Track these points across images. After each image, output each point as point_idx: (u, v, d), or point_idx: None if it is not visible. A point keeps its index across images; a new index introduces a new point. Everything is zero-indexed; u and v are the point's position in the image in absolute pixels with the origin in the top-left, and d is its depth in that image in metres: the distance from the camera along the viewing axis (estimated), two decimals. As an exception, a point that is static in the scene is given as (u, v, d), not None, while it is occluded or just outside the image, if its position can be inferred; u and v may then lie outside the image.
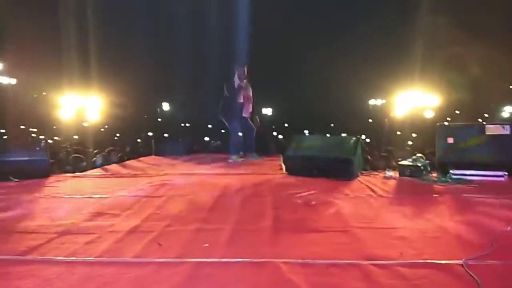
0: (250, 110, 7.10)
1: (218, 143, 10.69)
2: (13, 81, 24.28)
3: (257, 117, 7.32)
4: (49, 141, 5.28)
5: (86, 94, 10.11)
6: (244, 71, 6.90)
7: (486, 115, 14.82)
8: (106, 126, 14.43)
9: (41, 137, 5.31)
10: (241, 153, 7.07)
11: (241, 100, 6.96)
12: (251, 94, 7.07)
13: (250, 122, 7.11)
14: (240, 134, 7.03)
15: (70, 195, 3.94)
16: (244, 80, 6.92)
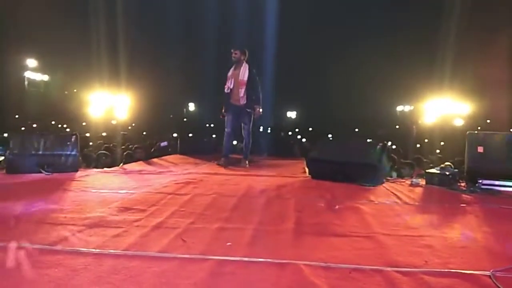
0: (241, 95, 6.15)
1: (242, 145, 10.75)
2: (46, 78, 25.10)
3: (257, 107, 6.21)
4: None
5: (116, 93, 10.33)
6: (235, 53, 6.16)
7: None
8: (133, 124, 14.73)
9: (72, 132, 5.46)
10: (227, 156, 6.34)
11: (228, 88, 6.24)
12: (245, 79, 6.14)
13: (246, 116, 6.22)
14: (229, 130, 6.32)
15: (98, 190, 4.04)
16: (234, 65, 6.20)
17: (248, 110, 6.20)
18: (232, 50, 6.22)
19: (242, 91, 6.15)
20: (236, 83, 6.17)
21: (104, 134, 9.94)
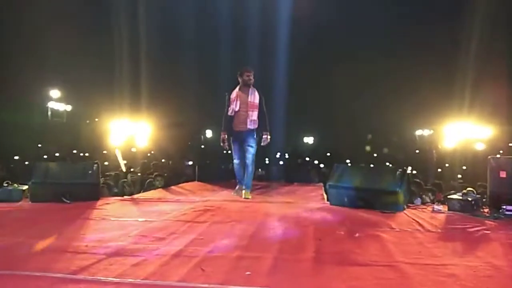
0: (253, 118, 5.66)
1: (263, 172, 10.78)
2: (68, 107, 25.85)
3: (266, 134, 5.75)
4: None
5: (136, 121, 10.54)
6: (250, 75, 5.73)
7: (542, 148, 14.02)
8: (152, 152, 14.93)
9: (93, 161, 5.56)
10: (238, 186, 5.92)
11: (232, 111, 5.70)
12: (257, 102, 5.71)
13: (252, 139, 5.70)
14: (237, 161, 5.84)
15: (117, 218, 4.09)
16: (240, 87, 5.75)
17: (254, 135, 5.72)
18: (247, 70, 5.76)
19: (254, 114, 5.69)
20: (245, 106, 5.68)
21: (124, 162, 10.10)
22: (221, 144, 5.90)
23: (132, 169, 8.48)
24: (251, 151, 5.70)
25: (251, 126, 5.70)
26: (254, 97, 5.72)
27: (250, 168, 5.72)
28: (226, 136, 5.81)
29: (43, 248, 2.90)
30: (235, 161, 5.91)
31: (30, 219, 4.13)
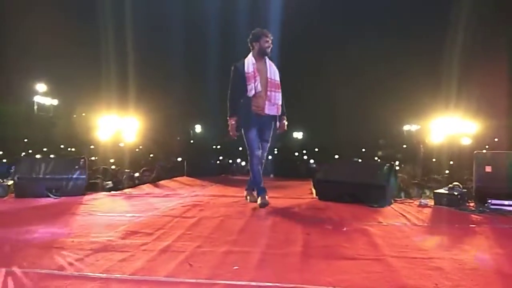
0: (277, 101, 4.47)
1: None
2: (55, 102, 25.49)
3: (283, 120, 4.66)
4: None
5: (124, 116, 10.44)
6: (261, 39, 4.42)
7: (526, 143, 14.25)
8: (140, 147, 14.82)
9: (80, 156, 5.51)
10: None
11: (253, 90, 4.38)
12: (277, 79, 4.50)
13: (270, 131, 4.58)
14: (257, 152, 4.46)
15: (105, 213, 4.06)
16: (255, 58, 4.45)
17: (273, 126, 4.60)
18: (265, 34, 4.45)
19: (276, 96, 4.46)
20: (265, 84, 4.43)
21: (112, 160, 10.01)
22: (230, 133, 4.56)
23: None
24: (267, 147, 4.61)
25: (271, 111, 4.50)
26: (274, 73, 4.50)
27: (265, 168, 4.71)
28: (235, 122, 4.48)
29: (29, 244, 2.86)
30: (255, 152, 4.46)
31: (15, 215, 4.08)
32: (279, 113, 4.58)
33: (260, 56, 4.47)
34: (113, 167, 7.76)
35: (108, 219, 3.77)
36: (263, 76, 4.43)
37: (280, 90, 4.52)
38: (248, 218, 3.89)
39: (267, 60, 4.53)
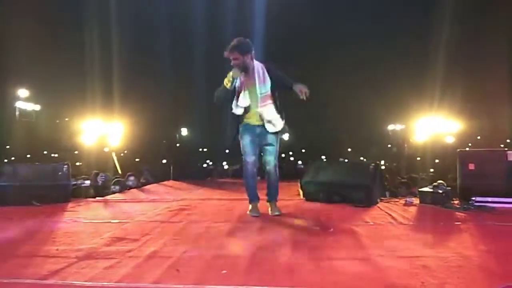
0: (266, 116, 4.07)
1: (237, 167, 10.77)
2: (37, 107, 25.08)
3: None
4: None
5: (108, 120, 10.33)
6: (234, 58, 3.98)
7: (508, 140, 14.54)
8: (125, 151, 14.67)
9: (64, 162, 5.42)
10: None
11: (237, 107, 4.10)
12: (268, 89, 4.09)
13: (270, 136, 4.18)
14: (251, 159, 4.16)
15: (90, 220, 3.99)
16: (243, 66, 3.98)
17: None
18: (227, 55, 4.02)
19: (267, 109, 4.11)
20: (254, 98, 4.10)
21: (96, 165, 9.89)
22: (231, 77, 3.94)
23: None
24: (272, 152, 4.23)
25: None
26: (262, 81, 4.10)
27: (274, 175, 4.32)
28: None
29: (12, 253, 2.80)
30: (247, 158, 4.18)
31: (-3, 224, 3.99)
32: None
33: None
34: (97, 172, 7.66)
35: (93, 226, 3.71)
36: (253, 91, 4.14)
37: (271, 101, 4.17)
38: (236, 221, 3.88)
39: (256, 65, 4.14)
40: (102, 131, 10.14)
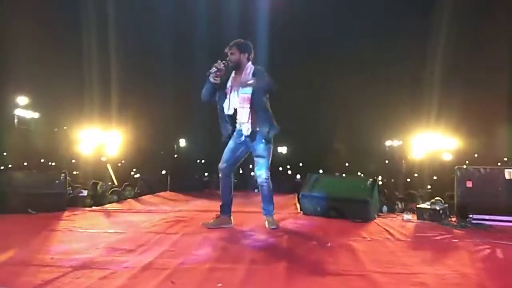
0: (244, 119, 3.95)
1: (234, 180, 10.77)
2: (36, 115, 25.09)
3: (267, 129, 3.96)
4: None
5: (106, 130, 10.34)
6: (231, 53, 3.98)
7: (505, 159, 14.59)
8: (123, 161, 14.64)
9: (61, 170, 5.39)
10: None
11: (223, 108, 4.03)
12: (248, 76, 3.96)
13: (259, 144, 3.99)
14: (222, 166, 4.13)
15: (85, 229, 3.96)
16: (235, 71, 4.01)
17: (262, 138, 4.00)
18: (227, 49, 4.02)
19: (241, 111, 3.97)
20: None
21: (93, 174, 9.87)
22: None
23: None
24: (261, 164, 4.05)
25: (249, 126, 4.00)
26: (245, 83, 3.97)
27: (267, 189, 4.15)
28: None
29: (6, 261, 2.77)
30: (219, 165, 4.15)
31: (-9, 231, 3.95)
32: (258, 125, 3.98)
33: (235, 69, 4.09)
34: (94, 181, 7.63)
35: (88, 236, 3.68)
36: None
37: (248, 104, 3.97)
38: (232, 234, 3.85)
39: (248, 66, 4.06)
40: (100, 140, 10.15)
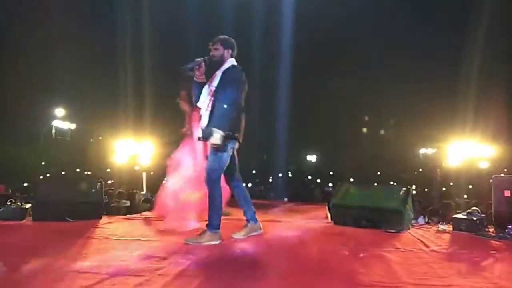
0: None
1: (261, 188, 10.77)
2: (73, 126, 26.02)
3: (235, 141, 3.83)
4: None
5: (139, 139, 10.60)
6: (215, 48, 3.82)
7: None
8: (152, 173, 14.93)
9: (97, 179, 5.55)
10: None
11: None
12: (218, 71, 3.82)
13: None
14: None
15: (120, 237, 4.06)
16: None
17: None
18: (211, 45, 3.86)
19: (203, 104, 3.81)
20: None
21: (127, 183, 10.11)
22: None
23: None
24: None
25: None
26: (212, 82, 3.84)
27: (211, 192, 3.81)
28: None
29: (45, 268, 2.88)
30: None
31: (32, 239, 4.12)
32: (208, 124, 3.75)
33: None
34: (129, 190, 7.82)
35: (123, 243, 3.77)
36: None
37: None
38: (262, 243, 3.85)
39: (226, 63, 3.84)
40: (133, 150, 10.41)
